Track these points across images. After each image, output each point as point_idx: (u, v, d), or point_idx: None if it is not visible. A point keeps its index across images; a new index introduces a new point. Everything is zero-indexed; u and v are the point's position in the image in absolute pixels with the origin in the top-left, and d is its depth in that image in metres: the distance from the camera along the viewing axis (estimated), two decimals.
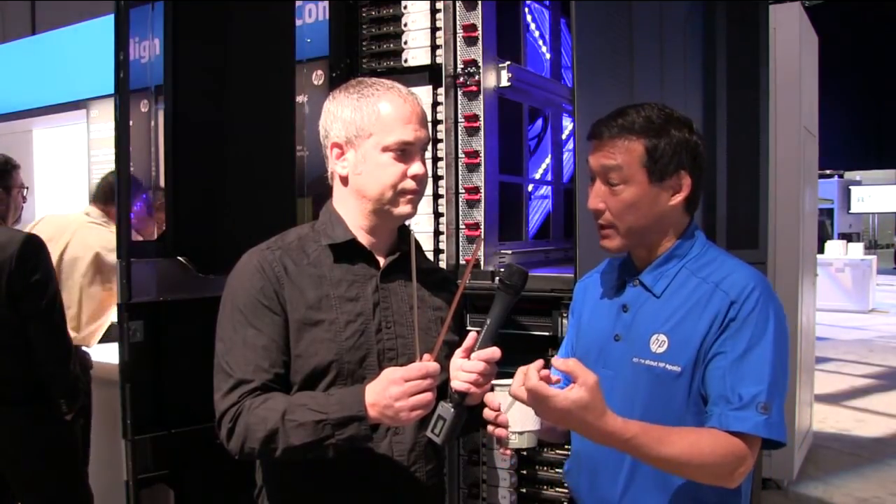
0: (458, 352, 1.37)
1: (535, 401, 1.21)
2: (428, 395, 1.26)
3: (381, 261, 1.47)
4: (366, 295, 1.43)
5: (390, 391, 1.25)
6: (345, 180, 1.45)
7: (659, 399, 1.33)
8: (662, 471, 1.28)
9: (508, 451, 1.35)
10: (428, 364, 1.27)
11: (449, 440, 1.34)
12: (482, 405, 1.37)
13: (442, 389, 1.35)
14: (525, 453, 2.15)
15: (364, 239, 1.46)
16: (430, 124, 1.64)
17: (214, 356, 1.39)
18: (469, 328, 1.49)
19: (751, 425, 1.25)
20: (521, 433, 1.31)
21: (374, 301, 1.44)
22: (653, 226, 1.38)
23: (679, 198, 1.37)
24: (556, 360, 1.22)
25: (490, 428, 1.34)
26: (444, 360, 1.39)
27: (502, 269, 1.44)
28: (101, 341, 3.15)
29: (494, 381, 1.34)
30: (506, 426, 1.32)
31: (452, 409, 1.32)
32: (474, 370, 1.33)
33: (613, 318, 1.43)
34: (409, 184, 1.42)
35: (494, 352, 1.35)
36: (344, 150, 1.44)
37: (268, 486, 1.48)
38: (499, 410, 1.31)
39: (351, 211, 1.46)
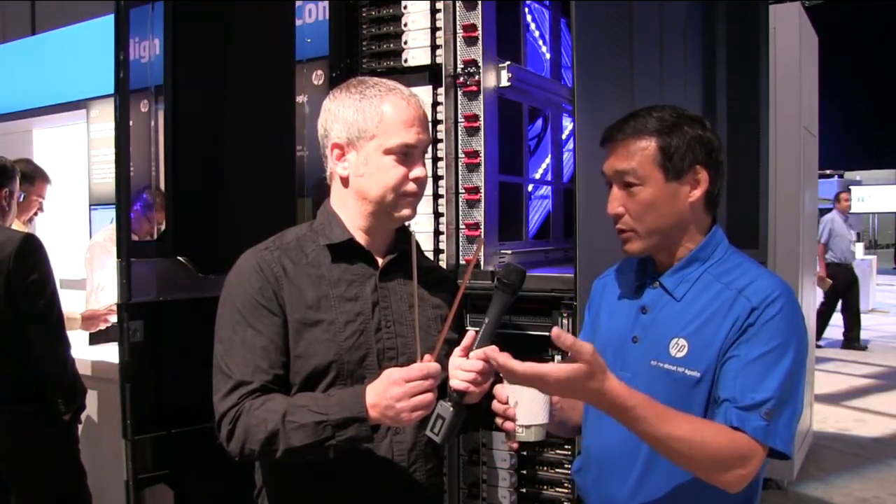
0: (457, 351, 1.37)
1: (535, 383, 1.19)
2: (429, 396, 1.26)
3: (380, 260, 1.47)
4: (365, 294, 1.43)
5: (391, 392, 1.25)
6: (345, 181, 1.45)
7: (677, 404, 1.31)
8: (663, 454, 1.25)
9: (516, 445, 1.34)
10: (429, 364, 1.27)
11: (448, 439, 1.34)
12: (481, 403, 1.37)
13: (442, 388, 1.34)
14: (525, 453, 2.15)
15: (362, 239, 1.46)
16: (430, 124, 1.64)
17: (213, 357, 1.39)
18: (468, 328, 1.49)
19: (751, 427, 1.24)
20: (528, 427, 1.31)
21: (374, 300, 1.43)
22: (674, 225, 1.37)
23: (697, 193, 1.36)
24: (556, 332, 1.15)
25: (498, 421, 1.33)
26: (444, 358, 1.39)
27: (500, 269, 1.43)
28: (100, 341, 3.14)
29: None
30: (514, 419, 1.31)
31: (451, 408, 1.32)
32: (473, 369, 1.32)
33: (632, 320, 1.42)
34: (411, 186, 1.42)
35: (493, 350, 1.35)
36: (345, 152, 1.43)
37: (267, 486, 1.48)
38: (507, 403, 1.30)
39: (350, 211, 1.46)
